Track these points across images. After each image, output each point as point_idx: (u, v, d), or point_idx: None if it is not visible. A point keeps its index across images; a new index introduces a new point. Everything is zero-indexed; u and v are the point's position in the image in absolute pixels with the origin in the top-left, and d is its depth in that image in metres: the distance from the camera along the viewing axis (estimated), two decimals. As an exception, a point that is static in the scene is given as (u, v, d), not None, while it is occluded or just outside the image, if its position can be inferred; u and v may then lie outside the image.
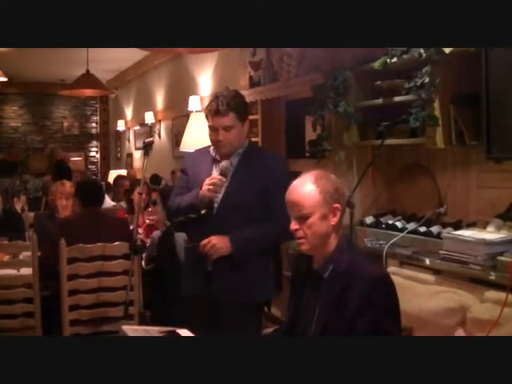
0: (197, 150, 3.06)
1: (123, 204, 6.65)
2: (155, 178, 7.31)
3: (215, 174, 2.78)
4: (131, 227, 4.25)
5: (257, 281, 2.83)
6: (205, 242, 2.71)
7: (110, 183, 8.49)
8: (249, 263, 2.78)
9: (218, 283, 2.77)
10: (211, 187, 2.69)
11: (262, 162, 2.83)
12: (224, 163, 2.76)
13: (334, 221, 2.00)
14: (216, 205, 2.77)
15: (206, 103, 3.79)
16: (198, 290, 2.85)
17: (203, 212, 2.74)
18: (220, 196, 2.76)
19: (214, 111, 2.73)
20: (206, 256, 2.73)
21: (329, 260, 2.01)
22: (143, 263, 3.87)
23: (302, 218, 2.00)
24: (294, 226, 2.03)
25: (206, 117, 2.82)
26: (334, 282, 1.97)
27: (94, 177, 11.86)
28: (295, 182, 2.05)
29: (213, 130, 2.77)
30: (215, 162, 2.85)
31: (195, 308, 2.91)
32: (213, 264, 2.75)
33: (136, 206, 3.01)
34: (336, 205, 2.00)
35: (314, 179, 2.00)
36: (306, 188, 2.00)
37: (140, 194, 3.10)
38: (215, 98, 2.76)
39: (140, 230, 4.39)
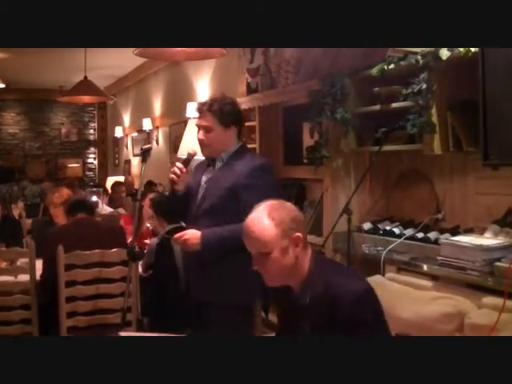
0: None
1: (121, 210, 6.66)
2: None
3: (203, 178, 2.88)
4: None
5: (229, 282, 2.76)
6: (178, 235, 2.77)
7: (107, 190, 8.50)
8: (219, 263, 2.74)
9: (190, 282, 2.88)
10: (171, 176, 2.85)
11: (236, 164, 2.81)
12: (190, 150, 2.91)
13: (297, 251, 1.89)
14: (194, 209, 2.85)
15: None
16: (183, 288, 2.98)
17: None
18: (198, 200, 2.85)
19: (197, 111, 2.87)
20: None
21: (305, 286, 1.91)
22: (141, 270, 3.86)
23: (263, 255, 1.87)
24: (255, 265, 1.90)
25: None
26: (316, 307, 1.87)
27: (91, 183, 11.84)
28: (249, 218, 1.91)
29: (197, 129, 2.89)
30: (208, 166, 2.94)
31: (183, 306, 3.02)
32: (184, 262, 2.85)
33: (136, 212, 3.00)
34: (296, 234, 1.88)
35: (267, 213, 1.87)
36: (260, 224, 1.86)
37: (138, 200, 3.10)
38: (207, 100, 2.89)
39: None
